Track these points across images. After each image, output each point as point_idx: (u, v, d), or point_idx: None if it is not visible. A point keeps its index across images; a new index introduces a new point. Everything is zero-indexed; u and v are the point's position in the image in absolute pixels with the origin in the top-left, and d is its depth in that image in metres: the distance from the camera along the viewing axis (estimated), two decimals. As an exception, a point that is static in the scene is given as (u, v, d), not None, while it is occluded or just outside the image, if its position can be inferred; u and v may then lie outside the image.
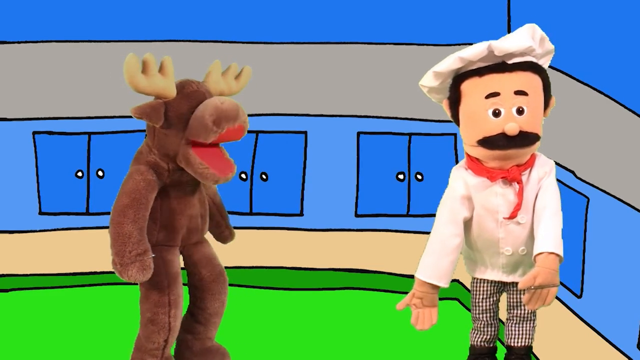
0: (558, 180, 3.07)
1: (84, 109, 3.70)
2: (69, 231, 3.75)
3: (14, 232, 3.72)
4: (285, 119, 3.76)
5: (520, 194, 2.26)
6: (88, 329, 3.13)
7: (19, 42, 3.63)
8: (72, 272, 3.65)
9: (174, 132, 2.43)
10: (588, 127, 2.91)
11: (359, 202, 3.83)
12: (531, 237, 2.30)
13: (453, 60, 2.26)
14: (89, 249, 3.52)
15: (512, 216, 2.27)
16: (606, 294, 2.77)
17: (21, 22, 3.60)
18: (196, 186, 2.56)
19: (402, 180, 3.79)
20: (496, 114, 2.20)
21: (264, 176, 3.80)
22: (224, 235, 2.81)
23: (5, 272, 3.64)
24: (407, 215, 3.79)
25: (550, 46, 2.33)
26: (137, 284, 2.44)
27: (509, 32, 3.46)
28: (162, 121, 2.41)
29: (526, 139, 2.20)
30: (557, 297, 3.03)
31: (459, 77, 2.29)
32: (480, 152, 2.27)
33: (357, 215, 3.82)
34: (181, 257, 2.62)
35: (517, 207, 2.26)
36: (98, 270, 3.49)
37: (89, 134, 3.72)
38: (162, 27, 3.62)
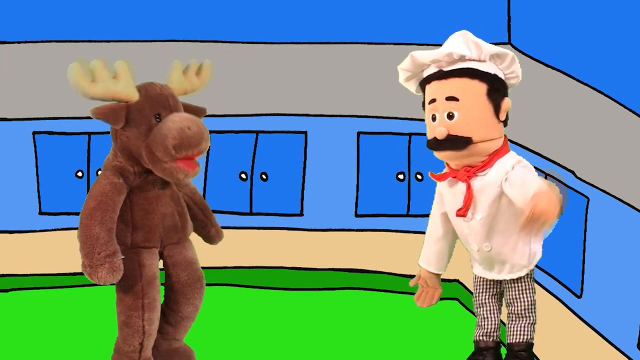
0: (558, 180, 3.08)
1: (84, 109, 3.67)
2: (69, 231, 3.74)
3: (14, 232, 3.72)
4: (285, 119, 3.76)
5: (467, 195, 2.35)
6: (88, 329, 3.13)
7: (19, 42, 3.63)
8: (72, 272, 3.64)
9: (135, 134, 2.43)
10: (588, 127, 2.91)
11: (359, 202, 3.83)
12: (494, 234, 2.37)
13: (400, 71, 2.47)
14: (89, 249, 3.52)
15: (459, 214, 2.37)
16: (606, 294, 2.77)
17: (21, 22, 3.60)
18: (165, 184, 2.55)
19: (402, 180, 3.79)
20: (434, 118, 2.35)
21: (264, 176, 3.80)
22: (210, 234, 2.76)
23: (5, 272, 3.64)
24: (407, 215, 3.79)
25: (493, 49, 2.36)
26: (112, 284, 2.44)
27: (508, 32, 3.46)
28: (122, 123, 2.42)
29: (453, 142, 2.31)
30: (557, 297, 3.05)
31: (422, 85, 2.43)
32: (434, 154, 2.41)
33: (357, 215, 3.82)
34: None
35: (463, 207, 2.36)
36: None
37: (89, 134, 3.72)
38: (162, 27, 3.62)
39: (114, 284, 2.47)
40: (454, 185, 2.40)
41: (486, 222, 2.36)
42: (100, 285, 2.40)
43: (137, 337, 2.48)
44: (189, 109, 2.57)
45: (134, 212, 2.49)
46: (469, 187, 2.35)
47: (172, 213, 2.56)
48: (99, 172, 2.52)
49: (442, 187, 2.48)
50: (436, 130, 2.31)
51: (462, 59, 2.34)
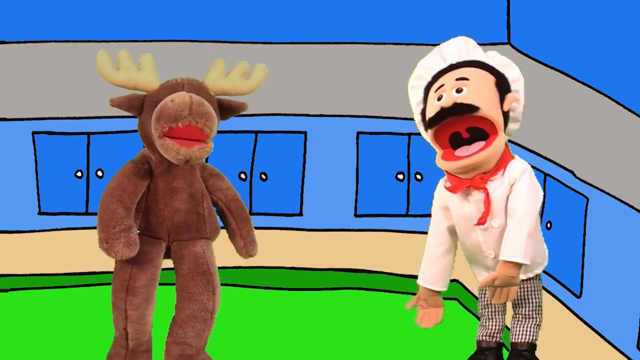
0: (557, 180, 3.08)
1: (84, 109, 3.70)
2: (68, 231, 3.75)
3: (13, 232, 3.71)
4: (285, 119, 3.75)
5: (486, 201, 2.31)
6: (88, 329, 3.12)
7: (19, 42, 3.63)
8: (72, 272, 3.65)
9: (148, 120, 2.47)
10: (588, 127, 2.91)
11: (359, 202, 3.83)
12: None
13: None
14: (89, 249, 3.50)
15: (480, 223, 2.34)
16: (606, 294, 2.77)
17: (21, 22, 3.59)
18: (188, 180, 2.56)
19: (401, 180, 3.79)
20: (439, 99, 2.30)
21: (263, 176, 3.80)
22: (238, 246, 2.66)
23: (5, 272, 3.63)
24: (407, 215, 3.79)
25: (503, 59, 2.38)
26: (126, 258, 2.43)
27: (508, 32, 3.46)
28: (138, 111, 2.50)
29: (460, 108, 2.26)
30: (556, 297, 3.05)
31: (427, 89, 2.40)
32: (438, 162, 2.36)
33: (356, 215, 3.82)
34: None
35: (485, 214, 2.32)
36: (98, 270, 3.49)
37: (89, 134, 3.72)
38: (162, 27, 3.62)
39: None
40: (466, 195, 2.35)
41: (503, 228, 2.32)
42: (117, 259, 2.41)
43: (121, 321, 2.48)
44: (226, 103, 2.58)
45: (148, 200, 2.53)
46: (487, 194, 2.30)
47: (187, 210, 2.56)
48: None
49: (447, 200, 2.41)
50: (443, 101, 2.28)
51: (474, 54, 2.36)
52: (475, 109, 2.25)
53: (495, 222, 2.34)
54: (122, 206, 2.42)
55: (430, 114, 2.32)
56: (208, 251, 2.59)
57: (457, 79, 2.30)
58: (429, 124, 2.32)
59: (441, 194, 2.43)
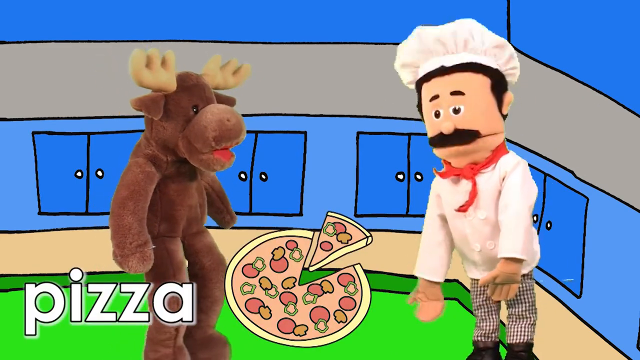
0: (558, 180, 3.08)
1: (84, 109, 3.70)
2: (68, 231, 3.75)
3: (13, 232, 3.72)
4: (285, 119, 3.76)
5: (472, 191, 2.32)
6: (87, 329, 3.12)
7: (19, 42, 3.63)
8: (72, 272, 3.64)
9: (172, 124, 2.45)
10: (588, 127, 2.92)
11: (359, 202, 3.83)
12: (497, 232, 2.33)
13: (402, 51, 2.43)
14: (89, 248, 3.52)
15: (461, 210, 2.34)
16: (606, 294, 2.77)
17: (21, 22, 3.60)
18: (194, 176, 2.58)
19: (401, 180, 3.79)
20: (437, 115, 2.30)
21: (263, 176, 3.80)
22: (225, 220, 2.83)
23: (5, 272, 3.63)
24: (407, 215, 3.79)
25: (496, 40, 2.35)
26: (139, 273, 2.44)
27: (508, 32, 3.46)
28: (161, 114, 2.43)
29: (461, 136, 2.27)
30: (556, 297, 3.05)
31: (418, 84, 2.40)
32: (436, 152, 2.37)
33: (356, 215, 3.82)
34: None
35: (468, 203, 2.32)
36: (98, 270, 3.49)
37: (89, 134, 3.72)
38: (162, 27, 3.63)
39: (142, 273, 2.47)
40: (456, 184, 2.37)
41: (489, 220, 2.34)
42: (130, 274, 2.40)
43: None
44: (220, 98, 2.60)
45: (163, 203, 2.52)
46: (474, 184, 2.31)
47: (196, 205, 2.60)
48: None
49: (440, 188, 2.43)
50: (442, 125, 2.27)
51: (465, 47, 2.33)
52: (475, 134, 2.26)
53: (482, 213, 2.34)
54: (137, 219, 2.39)
55: (429, 132, 2.34)
56: (213, 240, 2.70)
57: (453, 93, 2.28)
58: (430, 143, 2.34)
59: (436, 182, 2.45)
